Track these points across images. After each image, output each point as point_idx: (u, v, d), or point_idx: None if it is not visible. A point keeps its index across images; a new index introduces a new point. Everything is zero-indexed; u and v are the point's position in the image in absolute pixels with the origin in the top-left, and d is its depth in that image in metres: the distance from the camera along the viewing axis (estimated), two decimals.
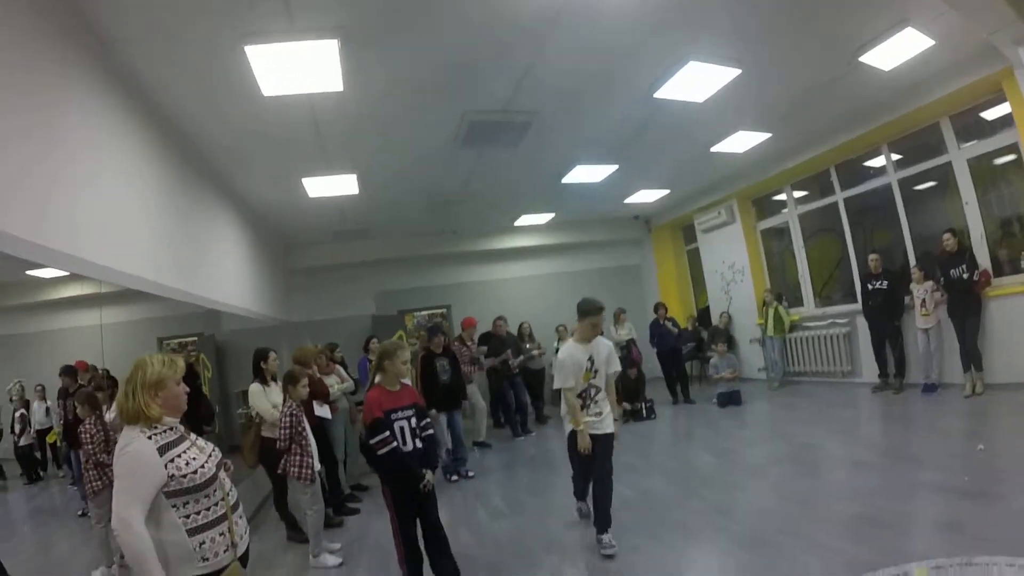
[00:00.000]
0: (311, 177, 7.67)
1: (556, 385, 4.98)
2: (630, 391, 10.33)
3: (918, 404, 8.02)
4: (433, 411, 6.85)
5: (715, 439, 8.18)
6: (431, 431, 4.43)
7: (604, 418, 4.93)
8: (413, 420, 4.27)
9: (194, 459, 2.51)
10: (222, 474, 2.69)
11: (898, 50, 6.58)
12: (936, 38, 6.40)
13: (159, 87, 4.92)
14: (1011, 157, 7.80)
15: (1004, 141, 7.76)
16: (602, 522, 4.73)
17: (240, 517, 2.73)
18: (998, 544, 3.63)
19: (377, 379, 4.32)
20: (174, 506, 2.42)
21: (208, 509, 2.52)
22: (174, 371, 2.62)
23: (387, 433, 4.08)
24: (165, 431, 2.52)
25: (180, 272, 5.39)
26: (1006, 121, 7.64)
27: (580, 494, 5.45)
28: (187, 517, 2.45)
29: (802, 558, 4.09)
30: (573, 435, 4.92)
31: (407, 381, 4.51)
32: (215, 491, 2.58)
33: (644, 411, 10.05)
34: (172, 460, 2.43)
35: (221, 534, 2.54)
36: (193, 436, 2.70)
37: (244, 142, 6.38)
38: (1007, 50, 6.20)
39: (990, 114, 7.98)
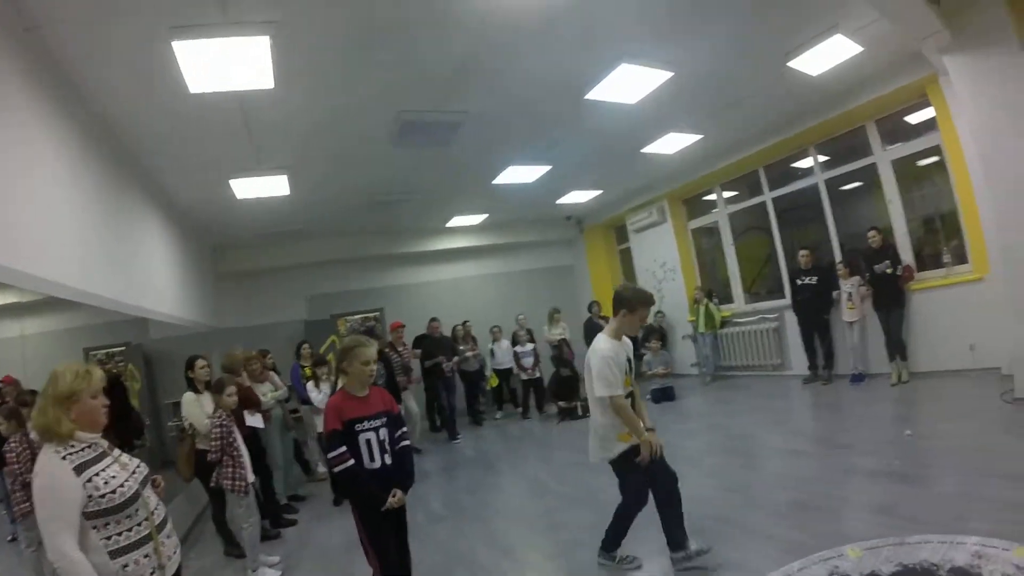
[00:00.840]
0: (240, 178, 7.39)
1: (601, 392, 4.09)
2: (564, 390, 10.48)
3: (847, 394, 8.31)
4: None
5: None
6: (407, 442, 3.78)
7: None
8: (383, 431, 3.59)
9: (113, 478, 2.38)
10: (147, 492, 2.56)
11: (827, 56, 6.81)
12: (864, 45, 6.65)
13: (85, 79, 4.66)
14: (934, 159, 8.21)
15: (927, 144, 8.15)
16: (683, 534, 4.15)
17: (168, 536, 2.61)
18: (928, 524, 3.83)
19: (340, 383, 3.70)
20: (94, 527, 2.30)
21: (131, 530, 2.40)
22: (88, 383, 2.44)
23: (343, 448, 3.43)
24: (83, 448, 2.39)
25: (107, 278, 5.08)
26: (929, 125, 8.03)
27: (621, 538, 4.37)
28: (108, 539, 2.32)
29: (740, 544, 4.23)
30: (627, 456, 4.14)
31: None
32: (138, 510, 2.45)
33: (580, 409, 10.11)
34: (90, 479, 2.30)
35: (146, 556, 2.42)
36: (117, 452, 2.57)
37: (172, 140, 6.11)
38: (933, 58, 6.53)
39: (914, 118, 8.37)
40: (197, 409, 5.54)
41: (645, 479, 4.15)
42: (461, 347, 10.99)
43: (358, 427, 3.51)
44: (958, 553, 3.38)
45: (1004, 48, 5.75)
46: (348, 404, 3.56)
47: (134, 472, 2.52)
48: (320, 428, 7.13)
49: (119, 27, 4.10)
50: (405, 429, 3.83)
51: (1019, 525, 3.56)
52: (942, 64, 6.45)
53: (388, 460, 3.57)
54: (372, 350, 3.68)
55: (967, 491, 4.31)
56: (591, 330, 11.28)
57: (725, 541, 4.31)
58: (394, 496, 3.51)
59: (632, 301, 4.10)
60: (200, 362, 5.85)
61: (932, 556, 3.41)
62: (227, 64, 4.63)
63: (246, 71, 4.79)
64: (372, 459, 3.52)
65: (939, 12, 5.72)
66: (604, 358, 4.07)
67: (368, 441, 3.52)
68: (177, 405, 5.82)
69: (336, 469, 3.50)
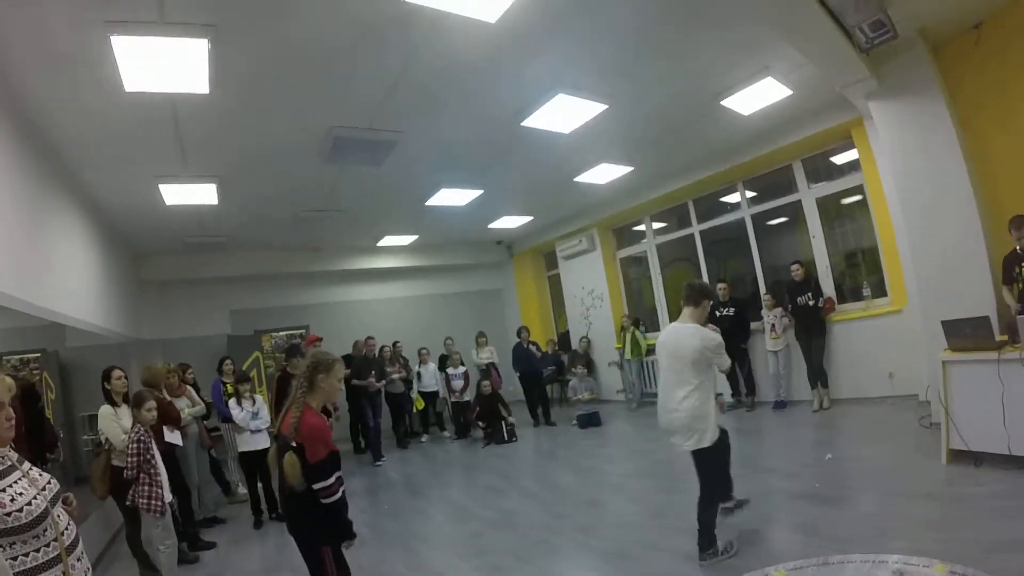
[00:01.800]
0: (169, 183, 7.10)
1: (726, 366, 4.40)
2: (486, 412, 10.44)
3: (770, 419, 8.49)
4: None
5: (576, 458, 8.27)
6: None
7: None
8: None
9: (21, 495, 2.21)
10: (57, 510, 2.38)
11: (758, 96, 7.05)
12: (794, 88, 6.92)
13: (9, 66, 4.37)
14: (856, 197, 8.58)
15: (850, 183, 8.53)
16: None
17: (79, 559, 2.41)
18: (850, 543, 3.90)
19: (313, 400, 3.28)
20: (0, 547, 2.12)
21: (38, 551, 2.22)
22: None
23: (338, 473, 3.15)
24: None
25: (21, 279, 4.74)
26: (853, 165, 8.42)
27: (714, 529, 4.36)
28: (14, 559, 2.13)
29: (666, 568, 4.22)
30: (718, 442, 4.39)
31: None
32: (47, 530, 2.27)
33: (505, 434, 10.07)
34: None
35: None
36: (26, 466, 2.40)
37: (100, 139, 5.80)
38: (858, 102, 6.83)
39: (839, 159, 8.74)
40: (114, 423, 5.17)
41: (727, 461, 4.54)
42: (389, 368, 10.75)
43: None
44: (880, 571, 3.45)
45: (927, 95, 6.08)
46: (324, 423, 3.22)
47: (44, 488, 2.35)
48: (242, 448, 6.91)
49: (52, 15, 3.88)
50: None
51: (938, 543, 3.63)
52: (867, 109, 6.75)
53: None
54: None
55: (887, 511, 4.42)
56: (520, 355, 11.33)
57: (652, 566, 4.31)
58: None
59: (703, 293, 4.42)
60: (116, 372, 5.47)
61: (856, 575, 3.47)
62: (164, 64, 4.46)
63: (183, 73, 4.62)
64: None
65: (867, 61, 5.97)
66: (715, 338, 4.27)
67: None
68: (93, 418, 5.40)
69: (334, 498, 3.11)
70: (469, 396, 11.19)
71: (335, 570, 3.24)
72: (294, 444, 3.08)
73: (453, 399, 11.41)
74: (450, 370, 11.43)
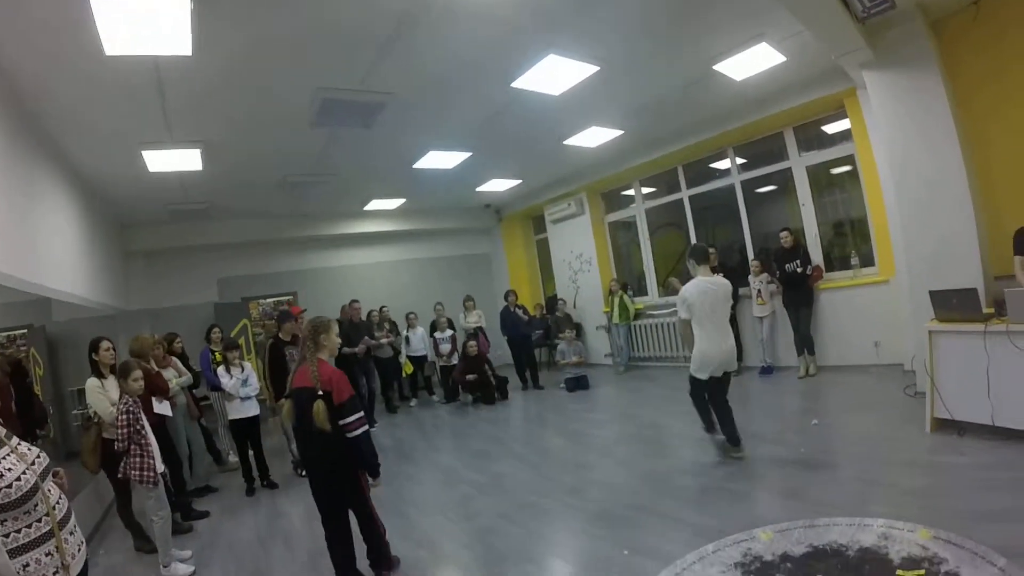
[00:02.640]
0: (152, 149, 6.96)
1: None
2: (473, 375, 10.60)
3: (756, 385, 8.58)
4: (282, 402, 5.64)
5: (564, 422, 8.34)
6: None
7: None
8: None
9: (9, 470, 2.18)
10: (47, 485, 2.36)
11: (751, 62, 6.99)
12: (788, 55, 6.87)
13: None
14: (847, 168, 8.60)
15: (841, 153, 8.55)
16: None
17: (71, 533, 2.40)
18: (835, 507, 3.99)
19: (323, 355, 3.95)
20: None
21: (30, 526, 2.20)
22: None
23: (362, 411, 3.82)
24: None
25: (5, 253, 4.65)
26: (845, 135, 8.43)
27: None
28: (6, 536, 2.12)
29: (654, 530, 4.27)
30: None
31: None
32: (37, 505, 2.25)
33: (496, 394, 10.33)
34: None
35: (48, 554, 2.23)
36: (15, 441, 2.37)
37: (81, 105, 5.64)
38: (853, 72, 6.80)
39: (831, 128, 8.73)
40: (101, 395, 5.14)
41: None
42: (377, 333, 10.75)
43: None
44: (865, 534, 3.52)
45: (923, 69, 6.04)
46: None
47: (33, 463, 2.32)
48: (232, 416, 6.91)
49: None
50: None
51: (921, 509, 3.72)
52: (861, 79, 6.72)
53: None
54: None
55: (872, 477, 4.50)
56: (507, 319, 11.37)
57: (639, 528, 4.38)
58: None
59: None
60: (105, 344, 5.40)
61: (840, 537, 3.55)
62: (146, 26, 4.30)
63: (165, 35, 4.47)
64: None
65: (864, 31, 5.94)
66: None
67: None
68: (82, 392, 5.34)
69: (358, 432, 3.72)
70: (457, 360, 11.22)
71: (367, 497, 4.02)
72: (320, 392, 3.68)
73: (441, 363, 11.43)
74: (437, 334, 11.45)
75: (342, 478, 3.91)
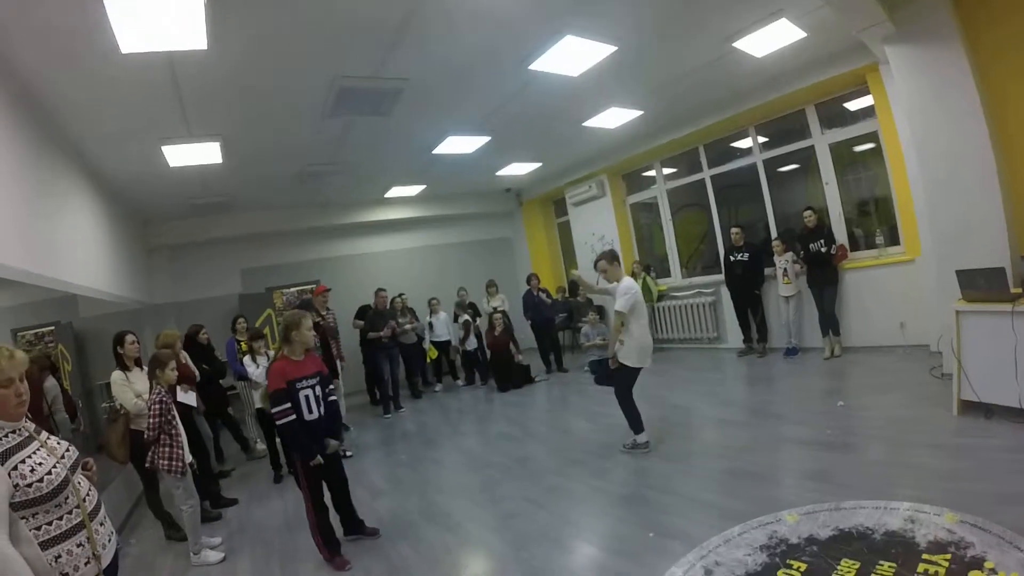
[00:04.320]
0: (171, 144, 6.98)
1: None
2: (498, 354, 10.81)
3: (781, 366, 8.55)
4: None
5: (588, 405, 8.33)
6: (333, 398, 4.66)
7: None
8: (317, 388, 4.45)
9: (40, 464, 2.21)
10: (77, 477, 2.39)
11: (771, 38, 6.87)
12: (808, 30, 6.74)
13: (7, 38, 4.28)
14: (870, 145, 8.45)
15: (864, 130, 8.39)
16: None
17: (102, 524, 2.44)
18: (860, 490, 3.99)
19: (284, 351, 4.44)
20: (23, 518, 2.13)
21: (61, 519, 2.23)
22: (10, 366, 2.26)
23: (287, 404, 4.23)
24: (5, 435, 2.22)
25: (30, 253, 4.74)
26: (868, 112, 8.27)
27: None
28: (38, 529, 2.16)
29: (681, 512, 4.30)
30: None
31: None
32: (68, 498, 2.28)
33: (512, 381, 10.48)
34: (15, 467, 2.14)
35: (79, 545, 2.26)
36: (44, 436, 2.40)
37: (100, 104, 5.68)
38: (874, 47, 6.68)
39: (853, 104, 8.58)
40: (125, 388, 5.29)
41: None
42: (401, 319, 10.82)
43: (298, 385, 4.33)
44: (891, 518, 3.52)
45: (945, 42, 5.91)
46: (289, 367, 4.37)
47: (63, 457, 2.36)
48: (258, 404, 7.02)
49: None
50: (333, 386, 4.73)
51: (947, 492, 3.70)
52: (883, 53, 6.59)
53: (322, 411, 4.44)
54: (311, 319, 4.59)
55: (898, 460, 4.49)
56: (530, 302, 11.41)
57: (666, 510, 4.41)
58: (328, 445, 4.48)
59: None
60: (130, 337, 5.57)
61: (867, 520, 3.55)
62: (160, 22, 4.33)
63: (179, 30, 4.50)
64: (311, 411, 4.37)
65: (884, 4, 5.83)
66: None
67: (307, 397, 4.36)
68: (109, 386, 5.47)
69: (280, 422, 4.24)
70: (471, 345, 11.41)
71: (304, 477, 4.42)
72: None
73: (464, 348, 11.51)
74: (433, 319, 11.60)
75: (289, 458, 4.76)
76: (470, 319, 11.44)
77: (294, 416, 4.24)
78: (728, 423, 6.27)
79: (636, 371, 5.90)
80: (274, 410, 4.23)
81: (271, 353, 7.18)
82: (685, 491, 4.68)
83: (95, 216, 7.20)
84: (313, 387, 4.41)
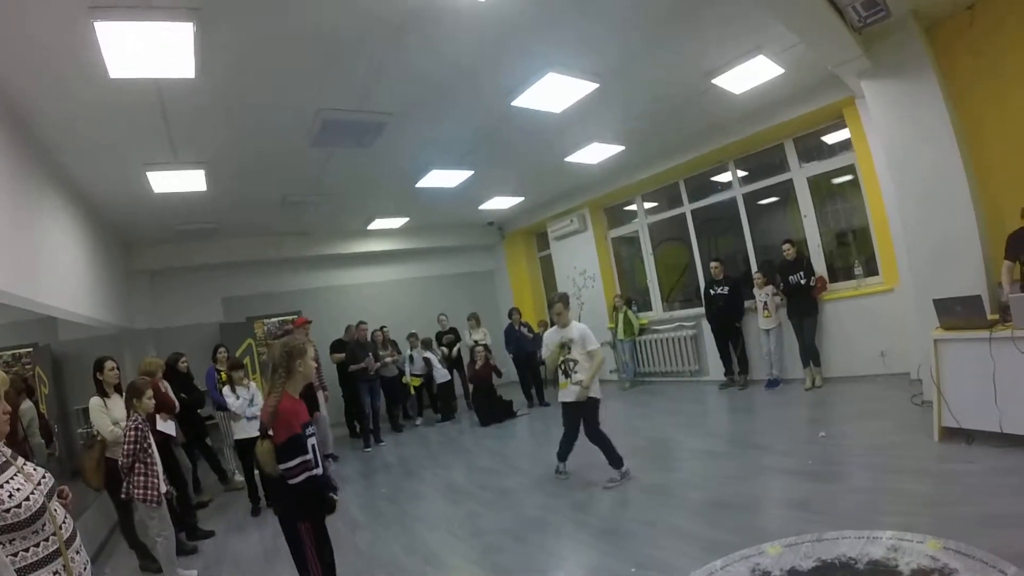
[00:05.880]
0: (156, 171, 7.00)
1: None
2: (480, 387, 10.76)
3: (763, 398, 8.54)
4: None
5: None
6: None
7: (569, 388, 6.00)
8: (315, 436, 3.36)
9: (18, 490, 2.17)
10: (53, 504, 2.35)
11: (749, 75, 7.03)
12: (785, 67, 6.91)
13: None
14: (848, 177, 8.60)
15: (842, 163, 8.56)
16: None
17: (77, 552, 2.39)
18: (844, 519, 3.96)
19: (284, 386, 3.29)
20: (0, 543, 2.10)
21: (38, 545, 2.19)
22: None
23: (307, 456, 3.15)
24: None
25: (9, 273, 4.66)
26: (845, 145, 8.45)
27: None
28: (14, 555, 2.11)
29: (661, 544, 4.24)
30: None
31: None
32: (45, 525, 2.24)
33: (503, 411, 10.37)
34: None
35: (55, 572, 2.22)
36: (20, 461, 2.35)
37: (86, 127, 5.71)
38: (850, 81, 6.82)
39: (830, 138, 8.75)
40: (103, 415, 5.20)
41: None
42: (382, 352, 10.77)
43: (308, 431, 3.22)
44: (874, 547, 3.49)
45: (919, 74, 6.05)
46: (299, 407, 3.25)
47: (39, 483, 2.31)
48: (237, 436, 6.92)
49: (34, 2, 3.80)
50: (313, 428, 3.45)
51: (931, 519, 3.69)
52: (859, 88, 6.74)
53: (323, 462, 3.36)
54: (313, 348, 3.63)
55: (880, 488, 4.47)
56: (512, 336, 11.39)
57: (648, 542, 4.34)
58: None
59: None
60: (109, 364, 5.48)
61: (850, 551, 3.51)
62: (149, 49, 4.37)
63: (168, 58, 4.54)
64: (317, 464, 3.23)
65: (860, 40, 5.96)
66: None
67: (313, 446, 3.25)
68: (87, 411, 5.38)
69: (302, 477, 3.12)
70: (442, 378, 11.45)
71: (314, 544, 3.23)
72: (270, 432, 3.15)
73: (439, 382, 11.50)
74: (414, 352, 11.55)
75: (282, 521, 3.32)
76: (441, 352, 11.65)
77: (319, 469, 3.24)
78: (710, 454, 6.24)
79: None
80: (291, 464, 3.09)
81: (252, 384, 7.13)
82: (667, 523, 4.62)
83: (76, 238, 7.11)
84: (313, 434, 3.30)
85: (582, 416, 5.99)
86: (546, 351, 6.27)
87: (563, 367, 6.05)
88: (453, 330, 12.05)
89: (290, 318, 12.00)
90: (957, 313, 5.04)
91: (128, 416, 4.90)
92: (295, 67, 5.25)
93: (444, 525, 5.53)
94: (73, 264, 6.81)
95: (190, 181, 7.51)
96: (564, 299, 6.18)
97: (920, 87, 6.05)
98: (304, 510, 3.21)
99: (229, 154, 7.03)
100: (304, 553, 3.22)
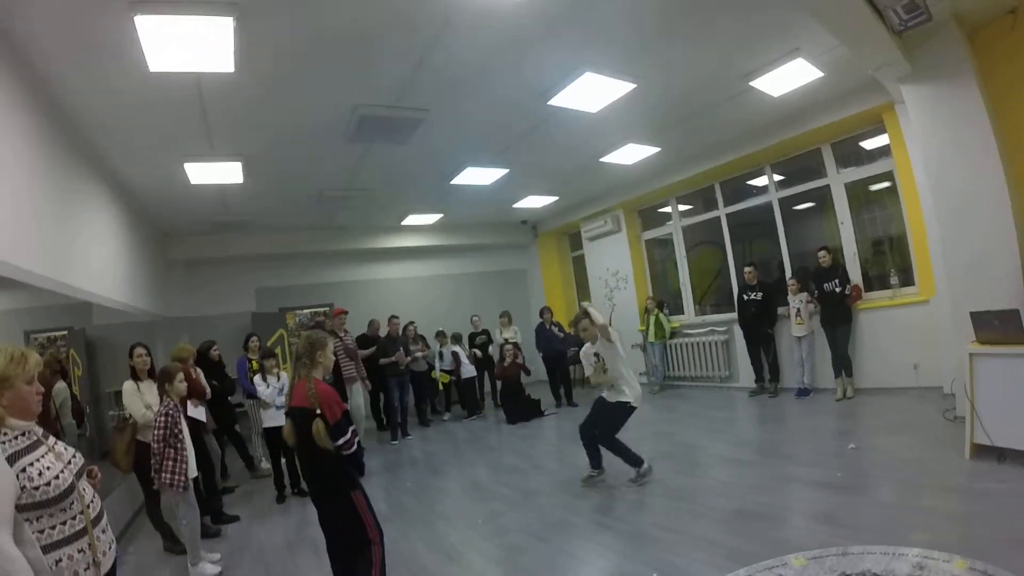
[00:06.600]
0: (194, 162, 7.13)
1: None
2: (509, 385, 10.90)
3: (793, 407, 8.45)
4: None
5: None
6: None
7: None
8: None
9: (48, 468, 2.23)
10: (82, 483, 2.41)
11: (788, 78, 6.94)
12: (825, 70, 6.81)
13: (35, 49, 4.38)
14: (886, 184, 8.46)
15: (880, 169, 8.42)
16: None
17: (103, 531, 2.46)
18: (870, 534, 3.90)
19: (314, 373, 3.71)
20: (27, 520, 2.13)
21: (65, 523, 2.24)
22: (23, 368, 2.29)
23: (353, 427, 3.65)
24: (15, 437, 2.24)
25: (48, 258, 4.79)
26: (883, 151, 8.30)
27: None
28: (41, 532, 2.16)
29: (684, 551, 4.22)
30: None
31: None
32: (73, 503, 2.30)
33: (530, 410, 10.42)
34: (24, 469, 2.16)
35: (80, 551, 2.27)
36: (52, 441, 2.42)
37: (126, 120, 5.80)
38: (890, 86, 6.72)
39: (869, 144, 8.61)
40: (136, 399, 5.34)
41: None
42: (412, 347, 10.85)
43: None
44: (899, 564, 3.44)
45: (961, 80, 5.93)
46: (332, 389, 3.72)
47: (70, 463, 2.38)
48: (266, 424, 7.02)
49: None
50: None
51: (959, 538, 3.63)
52: (899, 93, 6.64)
53: None
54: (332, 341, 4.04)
55: (908, 503, 4.41)
56: (542, 336, 11.41)
57: (670, 548, 4.32)
58: None
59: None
60: (138, 350, 5.63)
61: (874, 566, 3.47)
62: (189, 44, 4.46)
63: (208, 53, 4.62)
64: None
65: (900, 44, 5.86)
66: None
67: None
68: (119, 394, 5.52)
69: (355, 447, 3.61)
70: (467, 374, 11.54)
71: (368, 508, 3.74)
72: (318, 412, 3.52)
73: (464, 377, 11.58)
74: (444, 349, 11.64)
75: (337, 498, 3.69)
76: (473, 353, 11.75)
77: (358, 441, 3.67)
78: (737, 462, 6.19)
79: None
80: (347, 437, 3.54)
81: (283, 373, 7.23)
82: (691, 530, 4.60)
83: (115, 226, 7.26)
84: None
85: (612, 416, 6.03)
86: (588, 369, 6.34)
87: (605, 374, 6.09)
88: (486, 331, 12.13)
89: (322, 310, 12.17)
90: (994, 327, 4.95)
91: (160, 401, 5.02)
92: (333, 63, 5.30)
93: (467, 523, 5.56)
94: (110, 252, 6.97)
95: (227, 173, 7.62)
96: (588, 315, 6.23)
97: (961, 93, 5.93)
98: (354, 479, 3.70)
99: (266, 147, 7.12)
100: (361, 519, 3.70)
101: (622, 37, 5.54)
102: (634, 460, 5.92)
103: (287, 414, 3.86)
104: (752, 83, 6.98)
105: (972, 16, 6.00)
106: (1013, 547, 3.39)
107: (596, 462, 6.17)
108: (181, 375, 5.16)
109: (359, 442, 3.70)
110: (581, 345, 12.36)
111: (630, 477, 5.89)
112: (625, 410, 6.02)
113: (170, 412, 4.89)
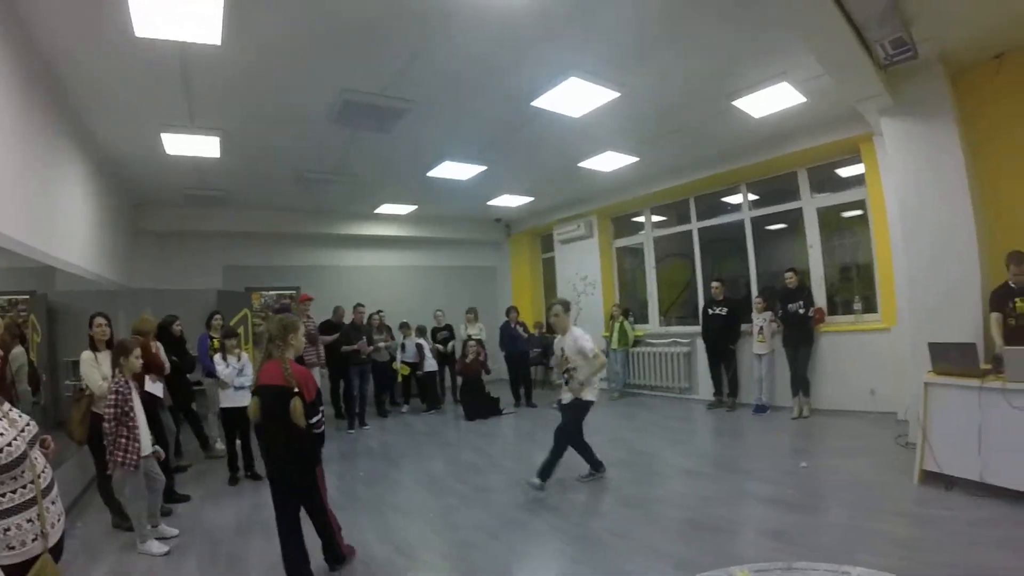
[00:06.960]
0: (171, 132, 7.00)
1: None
2: (469, 381, 10.86)
3: (750, 422, 8.56)
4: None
5: (554, 442, 8.26)
6: None
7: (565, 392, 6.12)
8: None
9: (1, 435, 2.21)
10: (34, 452, 2.39)
11: (771, 101, 7.06)
12: (808, 96, 6.93)
13: (25, 7, 4.30)
14: (857, 212, 8.63)
15: (853, 197, 8.59)
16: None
17: (53, 502, 2.43)
18: (817, 552, 3.97)
19: (288, 355, 3.96)
20: None
21: (15, 492, 2.23)
22: None
23: (323, 408, 4.01)
24: None
25: (18, 220, 4.60)
26: (858, 180, 8.47)
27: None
28: None
29: (634, 558, 4.25)
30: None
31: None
32: (24, 472, 2.28)
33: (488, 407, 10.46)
34: None
35: (29, 520, 2.26)
36: (6, 407, 2.39)
37: (107, 82, 5.68)
38: (871, 117, 6.85)
39: (844, 171, 8.79)
40: (93, 369, 5.20)
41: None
42: (376, 336, 10.79)
43: None
44: None
45: (940, 118, 6.09)
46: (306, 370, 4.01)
47: (23, 430, 2.34)
48: (223, 404, 6.92)
49: None
50: None
51: (903, 561, 3.70)
52: (879, 125, 6.76)
53: None
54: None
55: (857, 524, 4.48)
56: (507, 334, 11.42)
57: (620, 554, 4.35)
58: None
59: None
60: (99, 320, 5.47)
61: None
62: (177, 11, 4.37)
63: (195, 22, 4.54)
64: None
65: (884, 78, 5.97)
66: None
67: None
68: (77, 363, 5.36)
69: (323, 429, 3.99)
70: (429, 367, 11.53)
71: (324, 489, 4.19)
72: (296, 390, 3.75)
73: (423, 371, 11.55)
74: (407, 340, 11.62)
75: (306, 474, 4.04)
76: (436, 349, 11.69)
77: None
78: (692, 473, 6.25)
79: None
80: (319, 417, 3.91)
81: (243, 354, 7.14)
82: (643, 537, 4.62)
83: (88, 191, 7.10)
84: None
85: (570, 416, 6.02)
86: (554, 360, 6.48)
87: (566, 374, 6.04)
88: (448, 327, 12.12)
89: (289, 292, 12.04)
90: (951, 359, 5.06)
91: (112, 376, 4.91)
92: (323, 46, 5.26)
93: (420, 516, 5.53)
94: (81, 217, 6.81)
95: (204, 147, 7.52)
96: (564, 305, 6.20)
97: (939, 130, 6.08)
98: (319, 456, 4.07)
99: (247, 123, 7.05)
100: (319, 490, 4.15)
101: (613, 45, 5.57)
102: (597, 463, 6.12)
103: (254, 392, 3.97)
104: (735, 103, 7.06)
105: (958, 57, 6.15)
106: (957, 574, 3.46)
107: (595, 463, 6.25)
108: (138, 351, 5.04)
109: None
110: (544, 346, 12.57)
111: (581, 474, 6.09)
112: (586, 407, 6.05)
113: (120, 389, 4.75)
